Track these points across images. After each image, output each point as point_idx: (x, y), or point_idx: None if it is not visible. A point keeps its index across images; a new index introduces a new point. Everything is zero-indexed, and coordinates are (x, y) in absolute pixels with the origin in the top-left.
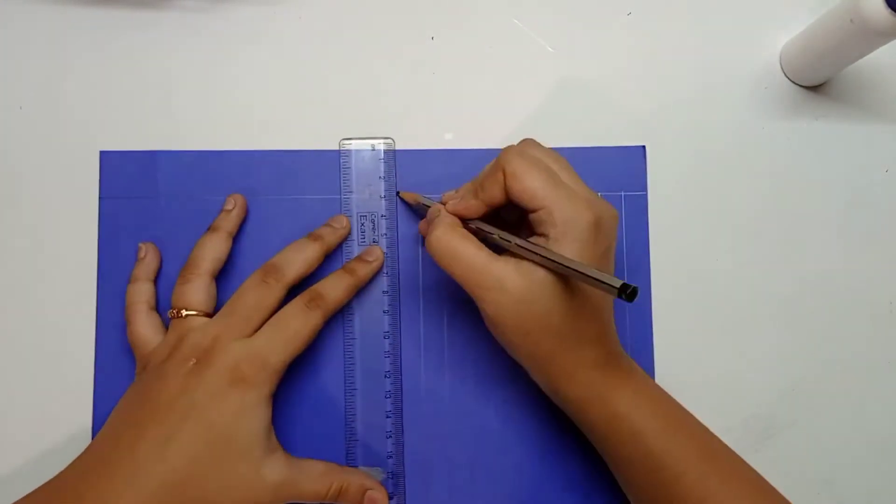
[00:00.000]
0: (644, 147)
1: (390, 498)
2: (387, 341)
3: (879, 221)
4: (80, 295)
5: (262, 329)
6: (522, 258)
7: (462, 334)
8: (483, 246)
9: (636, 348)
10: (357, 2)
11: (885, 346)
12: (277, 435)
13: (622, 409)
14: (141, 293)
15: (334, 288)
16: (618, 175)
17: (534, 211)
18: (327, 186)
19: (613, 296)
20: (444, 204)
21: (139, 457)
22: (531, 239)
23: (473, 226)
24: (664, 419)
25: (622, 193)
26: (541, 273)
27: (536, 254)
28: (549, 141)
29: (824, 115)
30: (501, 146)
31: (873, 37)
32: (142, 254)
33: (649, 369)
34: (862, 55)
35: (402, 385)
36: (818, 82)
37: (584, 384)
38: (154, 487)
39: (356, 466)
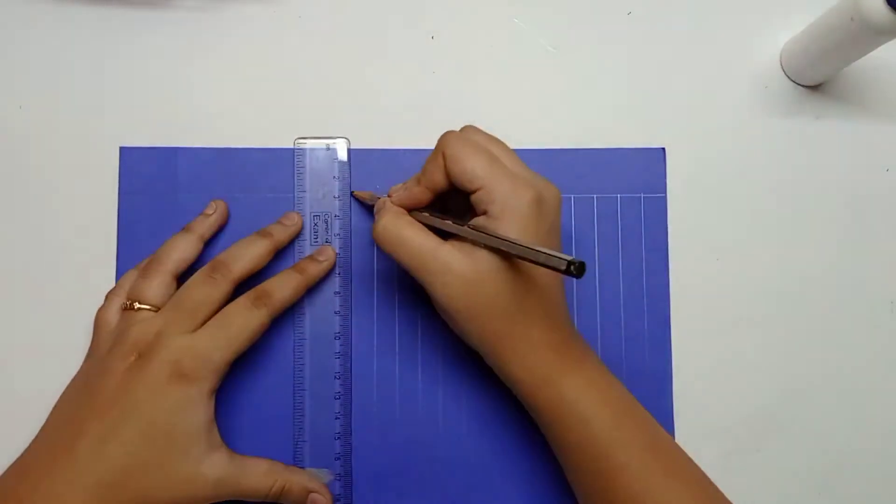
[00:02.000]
0: (664, 149)
1: (337, 500)
2: (337, 342)
3: (879, 221)
4: (99, 289)
5: (205, 326)
6: (465, 241)
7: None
8: (430, 232)
9: (653, 347)
10: (357, 1)
11: (885, 346)
12: (224, 433)
13: (571, 394)
14: (129, 281)
15: (282, 286)
16: (637, 177)
17: (474, 192)
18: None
19: (560, 272)
20: (389, 195)
21: (79, 455)
22: (475, 220)
23: (420, 217)
24: (613, 408)
25: (641, 195)
26: (487, 255)
27: (482, 235)
28: (549, 141)
29: (824, 115)
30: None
31: (874, 36)
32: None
33: (667, 370)
34: (862, 54)
35: (351, 387)
36: (818, 82)
37: (533, 366)
38: (93, 485)
39: (304, 467)
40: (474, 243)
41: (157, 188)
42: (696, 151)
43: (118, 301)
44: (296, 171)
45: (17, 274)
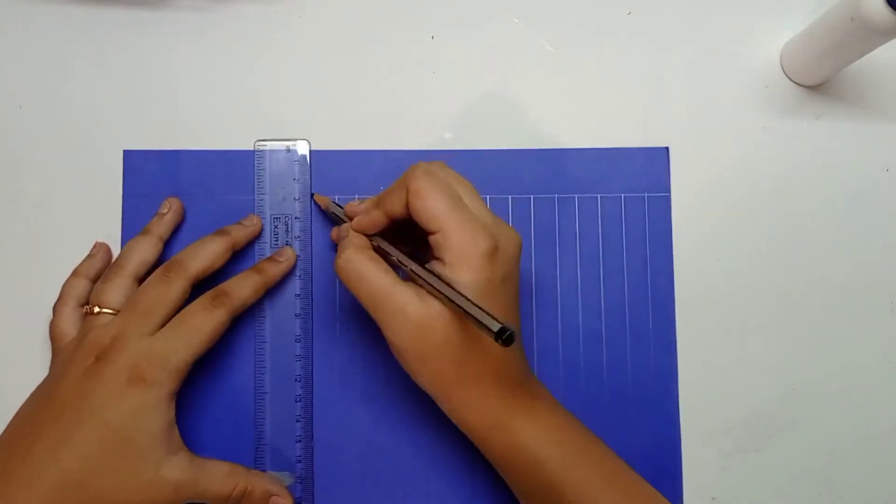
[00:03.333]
0: (667, 148)
1: (298, 503)
2: (298, 345)
3: (879, 221)
4: None
5: (164, 328)
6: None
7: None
8: (390, 270)
9: (658, 347)
10: (357, 1)
11: (885, 346)
12: (185, 436)
13: (523, 438)
14: (75, 287)
15: (241, 287)
16: (641, 176)
17: (432, 233)
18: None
19: (490, 337)
20: (346, 214)
21: (34, 459)
22: (430, 265)
23: (376, 243)
24: (567, 448)
25: (645, 195)
26: (438, 303)
27: (427, 282)
28: (548, 141)
29: (824, 115)
30: (501, 146)
31: (874, 36)
32: (94, 250)
33: (672, 370)
34: (862, 54)
35: (312, 389)
36: (818, 82)
37: (484, 413)
38: (49, 490)
39: (265, 471)
40: (419, 284)
41: (160, 191)
42: (696, 151)
43: (67, 310)
44: (255, 173)
45: (20, 276)
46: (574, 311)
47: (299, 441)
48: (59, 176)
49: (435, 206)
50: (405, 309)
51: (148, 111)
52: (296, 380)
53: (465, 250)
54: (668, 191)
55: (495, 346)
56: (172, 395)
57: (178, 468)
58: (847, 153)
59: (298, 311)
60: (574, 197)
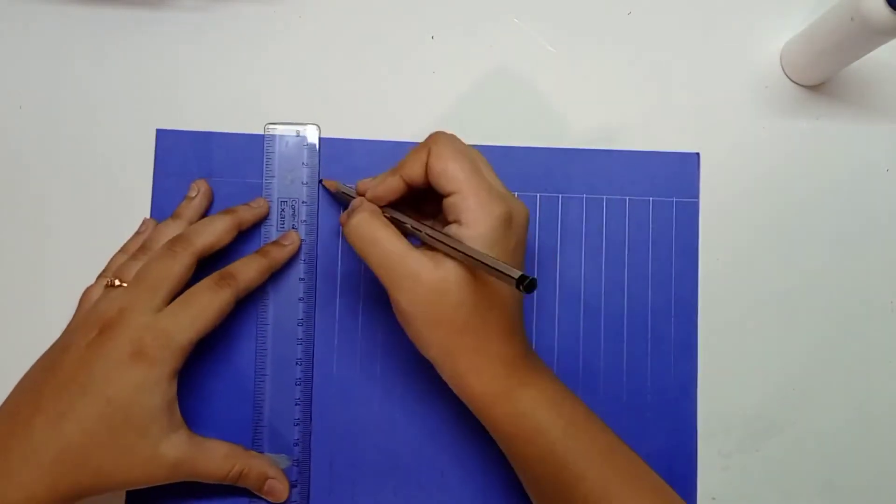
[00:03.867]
0: (698, 154)
1: (294, 486)
2: (300, 329)
3: (879, 221)
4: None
5: (170, 305)
6: (436, 250)
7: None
8: (402, 236)
9: (679, 351)
10: (357, 1)
11: (885, 346)
12: (185, 414)
13: (526, 407)
14: (116, 262)
15: (246, 268)
16: (670, 181)
17: (449, 195)
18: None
19: (512, 285)
20: (358, 191)
21: (35, 432)
22: (445, 228)
23: (389, 214)
24: (568, 418)
25: (674, 199)
26: (454, 266)
27: (444, 243)
28: (549, 140)
29: (824, 115)
30: (500, 144)
31: (874, 36)
32: (142, 227)
33: (692, 374)
34: (862, 54)
35: (312, 373)
36: (818, 82)
37: (489, 380)
38: (49, 462)
39: (262, 452)
40: (439, 250)
41: (190, 171)
42: (696, 151)
43: (102, 281)
44: (265, 156)
45: (11, 279)
46: (597, 312)
47: (297, 424)
48: (59, 176)
49: (455, 168)
50: (419, 273)
51: (148, 111)
52: (296, 363)
53: (481, 212)
54: (697, 196)
55: (503, 313)
56: (174, 374)
57: (177, 446)
58: (847, 153)
59: (301, 295)
60: (602, 198)
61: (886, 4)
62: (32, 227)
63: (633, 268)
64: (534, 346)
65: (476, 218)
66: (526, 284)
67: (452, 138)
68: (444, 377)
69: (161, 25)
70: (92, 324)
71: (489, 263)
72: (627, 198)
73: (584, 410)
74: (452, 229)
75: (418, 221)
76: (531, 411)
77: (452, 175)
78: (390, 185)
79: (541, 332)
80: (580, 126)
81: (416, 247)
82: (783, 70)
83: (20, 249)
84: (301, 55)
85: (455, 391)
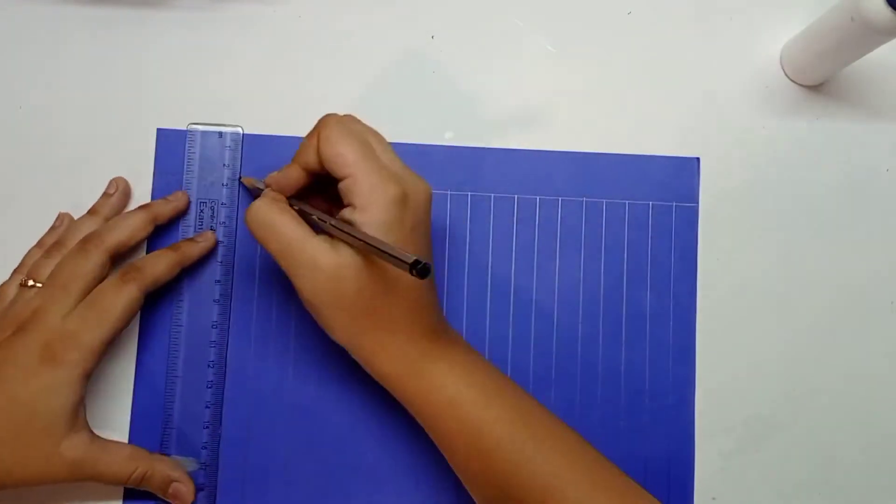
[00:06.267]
0: (698, 159)
1: (201, 489)
2: (214, 331)
3: (879, 221)
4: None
5: (78, 306)
6: (335, 237)
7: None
8: (302, 222)
9: (677, 355)
10: (357, 1)
11: (885, 346)
12: (94, 414)
13: (438, 382)
14: (31, 257)
15: (154, 262)
16: (670, 186)
17: (342, 179)
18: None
19: (405, 271)
20: (266, 184)
21: None
22: (340, 212)
23: (296, 206)
24: (480, 388)
25: (673, 204)
26: (351, 251)
27: (338, 228)
28: (549, 141)
29: (824, 115)
30: (500, 145)
31: (874, 35)
32: (56, 222)
33: (690, 378)
34: (862, 54)
35: (225, 376)
36: (818, 82)
37: (398, 359)
38: None
39: (169, 454)
40: (331, 234)
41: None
42: (695, 151)
43: (18, 277)
44: (186, 155)
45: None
46: (595, 315)
47: (207, 427)
48: (59, 176)
49: (345, 152)
50: (317, 259)
51: (148, 111)
52: (209, 365)
53: (373, 195)
54: (697, 201)
55: (408, 294)
56: (85, 376)
57: (79, 447)
58: (847, 153)
59: (217, 297)
60: (602, 202)
61: (886, 4)
62: (33, 227)
63: (632, 271)
64: (532, 351)
65: (368, 201)
66: (419, 269)
67: (342, 120)
68: (357, 360)
69: (161, 25)
70: (7, 323)
71: (381, 248)
72: (627, 202)
73: (499, 380)
74: (346, 214)
75: (328, 210)
76: (442, 385)
77: (342, 158)
78: (291, 176)
79: (539, 335)
80: (579, 126)
81: (318, 234)
82: (783, 70)
83: (21, 250)
84: (300, 56)
85: (369, 372)
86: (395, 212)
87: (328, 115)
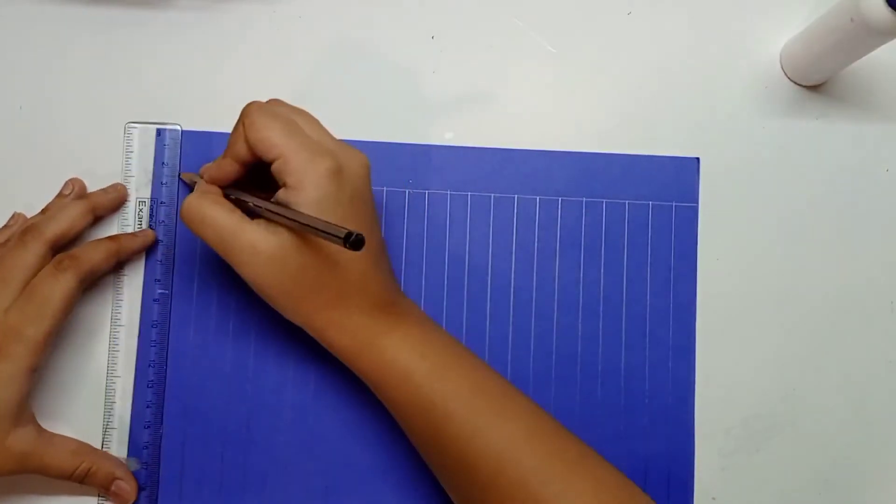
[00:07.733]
0: (698, 159)
1: (142, 489)
2: (154, 330)
3: (879, 221)
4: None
5: (17, 300)
6: (271, 220)
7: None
8: (236, 210)
9: (677, 354)
10: (357, 1)
11: (885, 346)
12: (40, 410)
13: (390, 354)
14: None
15: (90, 251)
16: (670, 186)
17: (272, 161)
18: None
19: (339, 245)
20: (201, 177)
21: None
22: (277, 194)
23: (232, 196)
24: (434, 359)
25: (673, 204)
26: (288, 233)
27: (271, 210)
28: (549, 141)
29: (824, 115)
30: (500, 145)
31: (874, 36)
32: (11, 221)
33: (690, 378)
34: (862, 55)
35: (165, 376)
36: (818, 82)
37: (351, 333)
38: None
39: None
40: (267, 218)
41: (189, 170)
42: (695, 151)
43: None
44: (124, 154)
45: None
46: (595, 315)
47: (148, 427)
48: (59, 176)
49: (270, 134)
50: (255, 244)
51: (148, 111)
52: (149, 365)
53: (305, 171)
54: (697, 201)
55: (352, 267)
56: (31, 370)
57: (25, 440)
58: (847, 153)
59: (157, 297)
60: (602, 202)
61: (886, 5)
62: None
63: (632, 271)
64: (533, 349)
65: (300, 178)
66: (352, 241)
67: (264, 105)
68: (314, 337)
69: (162, 25)
70: None
71: (312, 224)
72: (627, 202)
73: (454, 350)
74: (281, 195)
75: (253, 196)
76: (395, 357)
77: (269, 141)
78: (223, 167)
79: (539, 335)
80: (579, 126)
81: (253, 219)
82: (783, 70)
83: None
84: (300, 55)
85: (323, 345)
86: (329, 186)
87: (251, 103)
